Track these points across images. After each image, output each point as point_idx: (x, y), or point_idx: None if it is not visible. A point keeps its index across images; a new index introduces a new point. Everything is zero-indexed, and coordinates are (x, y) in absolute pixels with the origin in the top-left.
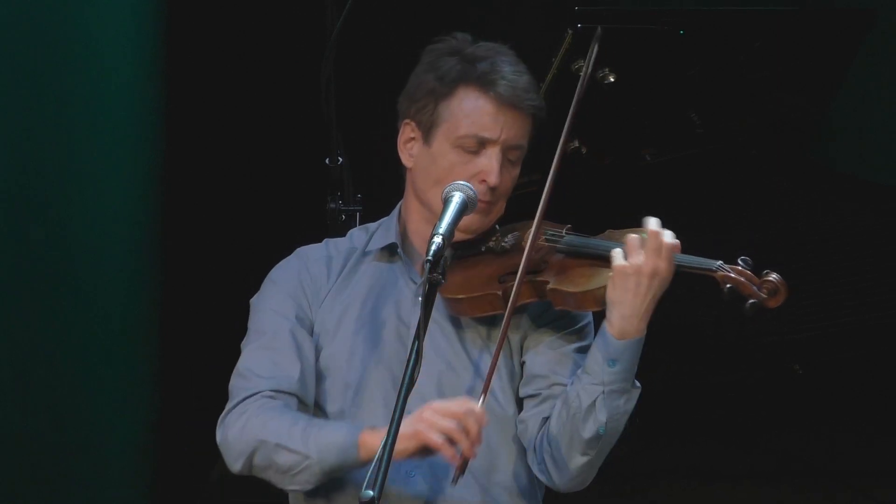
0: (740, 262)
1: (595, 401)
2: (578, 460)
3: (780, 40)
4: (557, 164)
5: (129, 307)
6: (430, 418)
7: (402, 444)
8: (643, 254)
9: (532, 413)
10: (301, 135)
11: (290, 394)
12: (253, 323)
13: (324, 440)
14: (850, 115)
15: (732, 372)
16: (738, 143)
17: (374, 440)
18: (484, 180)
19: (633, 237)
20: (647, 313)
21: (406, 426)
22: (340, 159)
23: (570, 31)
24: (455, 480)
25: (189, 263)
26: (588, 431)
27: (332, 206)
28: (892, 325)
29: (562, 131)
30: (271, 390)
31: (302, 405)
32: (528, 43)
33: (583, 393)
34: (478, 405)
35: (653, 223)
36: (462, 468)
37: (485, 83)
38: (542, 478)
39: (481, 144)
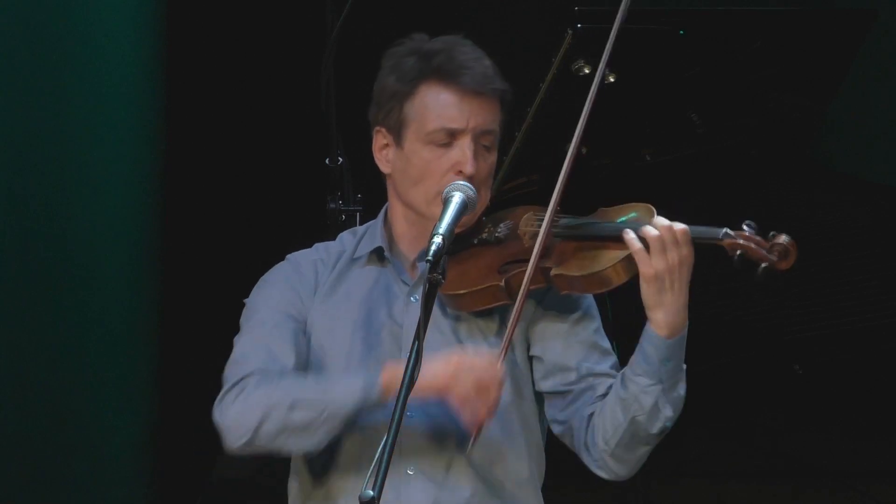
0: (745, 226)
1: (657, 401)
2: (641, 451)
3: (780, 40)
4: (573, 156)
5: (129, 307)
6: (460, 380)
7: (428, 384)
8: (664, 251)
9: (571, 410)
10: (301, 135)
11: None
12: (247, 319)
13: (342, 385)
14: (850, 115)
15: (732, 372)
16: (738, 143)
17: (394, 373)
18: (461, 171)
19: (652, 235)
20: (686, 303)
21: (431, 373)
22: (340, 159)
23: (570, 31)
24: (470, 450)
25: (189, 263)
26: (656, 428)
27: (332, 206)
28: (891, 325)
29: (561, 131)
30: (267, 371)
31: None
32: (528, 43)
33: (643, 396)
34: (499, 367)
35: (659, 219)
36: (477, 436)
37: (444, 75)
38: (600, 473)
39: (451, 136)
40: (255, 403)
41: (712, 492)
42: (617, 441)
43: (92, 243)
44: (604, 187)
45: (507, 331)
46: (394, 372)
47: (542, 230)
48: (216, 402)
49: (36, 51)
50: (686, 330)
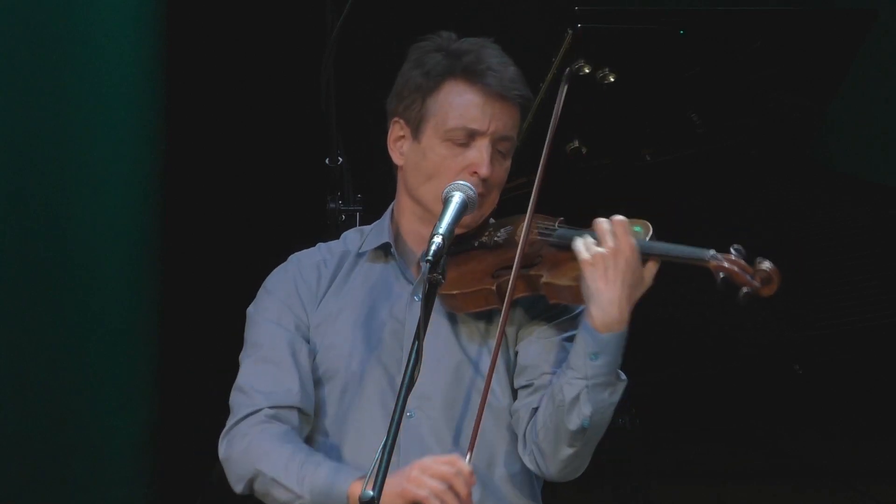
0: (733, 250)
1: (579, 394)
2: (566, 451)
3: (780, 40)
4: (545, 160)
5: (129, 307)
6: (418, 478)
7: (388, 501)
8: (601, 238)
9: (523, 403)
10: (301, 135)
11: (290, 407)
12: (250, 335)
13: (317, 484)
14: (850, 115)
15: (732, 372)
16: (738, 143)
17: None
18: (475, 172)
19: (588, 240)
20: (624, 302)
21: (393, 484)
22: (340, 159)
23: (570, 31)
24: None
25: (189, 263)
26: (573, 424)
27: (332, 206)
28: (892, 325)
29: (561, 131)
30: (272, 407)
31: (303, 416)
32: (528, 43)
33: (566, 387)
34: (466, 464)
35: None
36: None
37: (471, 75)
38: (531, 467)
39: (471, 137)
40: (251, 459)
41: (712, 492)
42: (545, 433)
43: (92, 243)
44: (604, 187)
45: (495, 345)
46: (361, 486)
47: (521, 240)
48: (223, 434)
49: (36, 51)
50: (623, 332)
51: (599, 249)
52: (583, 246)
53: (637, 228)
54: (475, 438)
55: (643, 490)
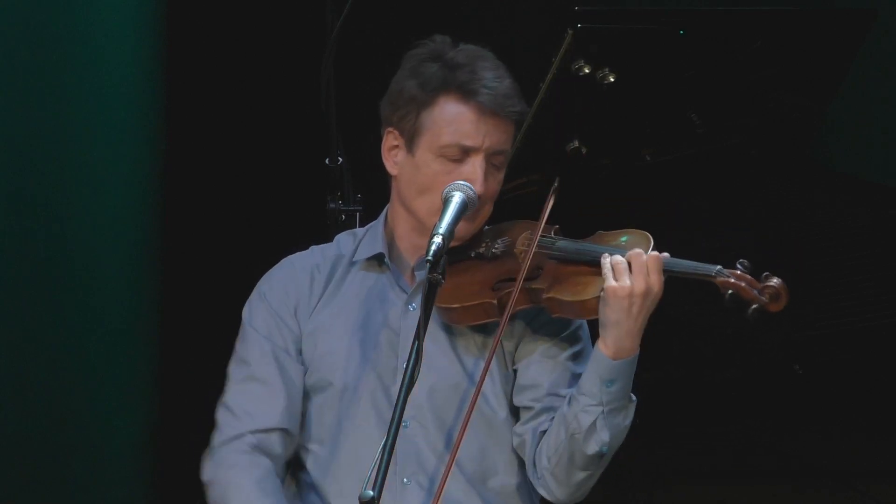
0: (739, 265)
1: (595, 421)
2: (579, 475)
3: (780, 40)
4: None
5: (129, 307)
6: None
7: None
8: (631, 275)
9: (529, 426)
10: (301, 135)
11: (274, 430)
12: (239, 346)
13: None
14: (850, 115)
15: (732, 372)
16: (738, 143)
17: None
18: None
19: (618, 260)
20: (640, 331)
21: None
22: (340, 159)
23: (570, 31)
24: None
25: (189, 263)
26: (591, 450)
27: (332, 206)
28: (892, 325)
29: (561, 132)
30: (256, 431)
31: (287, 437)
32: (528, 43)
33: (582, 415)
34: None
35: (635, 249)
36: None
37: (466, 91)
38: (542, 492)
39: (464, 153)
40: (222, 496)
41: (712, 492)
42: (557, 460)
43: (92, 243)
44: (604, 187)
45: (488, 355)
46: None
47: (527, 259)
48: (208, 451)
49: (36, 51)
50: (635, 357)
51: (627, 282)
52: (611, 273)
53: (624, 238)
54: (459, 444)
55: (643, 490)
